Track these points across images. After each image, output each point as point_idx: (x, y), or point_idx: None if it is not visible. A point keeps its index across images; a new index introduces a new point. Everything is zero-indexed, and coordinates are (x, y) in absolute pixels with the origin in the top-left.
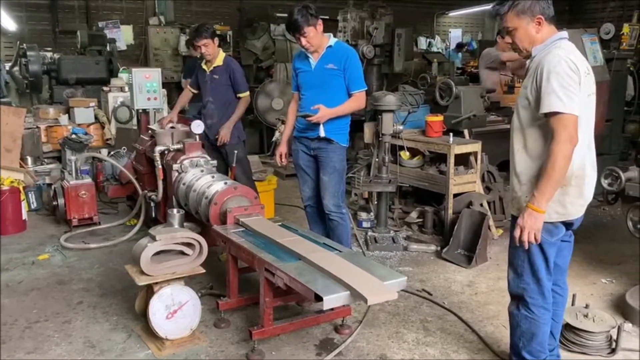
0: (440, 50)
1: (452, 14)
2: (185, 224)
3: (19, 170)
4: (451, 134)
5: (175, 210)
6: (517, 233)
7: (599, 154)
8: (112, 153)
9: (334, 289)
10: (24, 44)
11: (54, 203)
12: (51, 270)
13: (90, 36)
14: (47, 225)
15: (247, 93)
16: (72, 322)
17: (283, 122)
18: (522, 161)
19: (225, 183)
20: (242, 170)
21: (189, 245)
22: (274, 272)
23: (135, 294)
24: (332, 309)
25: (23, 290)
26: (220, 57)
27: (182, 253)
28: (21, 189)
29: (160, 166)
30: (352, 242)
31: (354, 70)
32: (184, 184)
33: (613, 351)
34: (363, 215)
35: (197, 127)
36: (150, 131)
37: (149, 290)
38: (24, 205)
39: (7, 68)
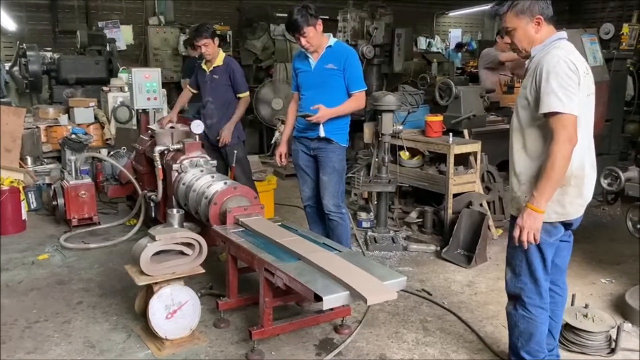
0: (440, 50)
1: (452, 14)
2: (185, 224)
3: (18, 170)
4: (451, 134)
5: (175, 210)
6: (516, 233)
7: (598, 154)
8: (111, 153)
9: (334, 289)
10: (24, 44)
11: (53, 203)
12: (51, 270)
13: (90, 36)
14: (46, 225)
15: (247, 93)
16: (72, 322)
17: (283, 122)
18: (522, 161)
19: (225, 183)
20: (242, 170)
21: (188, 245)
22: (274, 272)
23: (135, 294)
24: (331, 309)
25: (23, 290)
26: (220, 57)
27: (182, 253)
28: (21, 189)
29: (160, 166)
30: (351, 242)
31: (354, 70)
32: (183, 184)
33: (612, 351)
34: (363, 215)
35: (197, 127)
36: (150, 131)
37: (149, 290)
38: (23, 205)
39: (7, 68)
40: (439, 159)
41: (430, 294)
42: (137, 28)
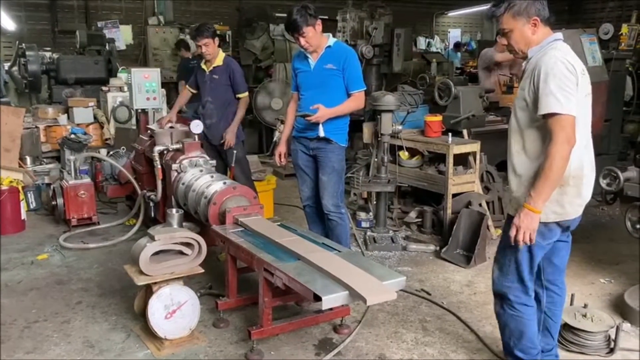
0: (439, 50)
1: (451, 14)
2: (184, 223)
3: (18, 170)
4: (450, 134)
5: (174, 210)
6: (512, 232)
7: (597, 154)
8: (111, 153)
9: (333, 289)
10: (23, 44)
11: (53, 203)
12: (50, 270)
13: (90, 36)
14: (46, 225)
15: (247, 93)
16: (71, 322)
17: (282, 122)
18: (522, 162)
19: (224, 183)
20: (241, 170)
21: (188, 245)
22: (273, 272)
23: (134, 294)
24: (331, 309)
25: (22, 290)
26: (220, 57)
27: (181, 253)
28: (20, 188)
29: (159, 166)
30: (351, 242)
31: (353, 70)
32: (183, 183)
33: (611, 351)
34: (362, 215)
35: (196, 127)
36: (149, 131)
37: (148, 290)
38: (23, 205)
39: (6, 68)
40: (438, 159)
41: (430, 294)
42: (136, 28)
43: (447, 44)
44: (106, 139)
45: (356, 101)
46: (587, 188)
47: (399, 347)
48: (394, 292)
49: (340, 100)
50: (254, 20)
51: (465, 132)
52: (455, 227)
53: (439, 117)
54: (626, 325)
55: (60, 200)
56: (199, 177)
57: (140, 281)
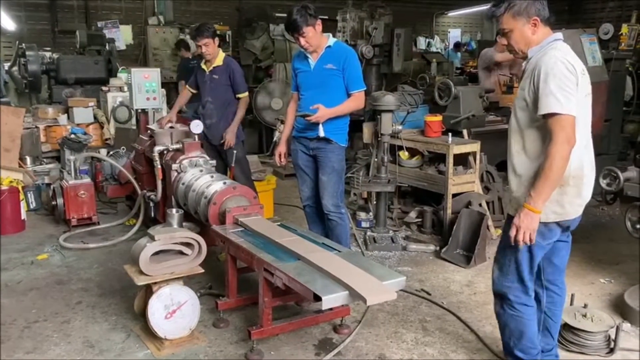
0: (439, 50)
1: (451, 14)
2: (184, 223)
3: (18, 170)
4: (450, 134)
5: (174, 210)
6: (512, 232)
7: (597, 154)
8: (111, 153)
9: (333, 289)
10: (23, 44)
11: (53, 203)
12: (50, 270)
13: (90, 36)
14: (46, 225)
15: (247, 94)
16: (71, 322)
17: (282, 122)
18: (522, 162)
19: (224, 183)
20: (241, 170)
21: (188, 245)
22: (273, 272)
23: (134, 294)
24: (331, 309)
25: (22, 290)
26: (220, 57)
27: (181, 253)
28: (20, 188)
29: (159, 166)
30: (351, 242)
31: (353, 70)
32: (183, 183)
33: (611, 351)
34: (362, 215)
35: (196, 127)
36: (149, 131)
37: (148, 290)
38: (23, 205)
39: (6, 68)
40: (438, 159)
41: (430, 294)
42: (136, 28)
43: (447, 44)
44: (106, 139)
45: (356, 101)
46: (587, 188)
47: (399, 347)
48: (394, 292)
49: (340, 100)
50: (254, 20)
51: (465, 132)
52: (455, 227)
53: (439, 117)
54: (626, 325)
55: (60, 200)
56: (199, 177)
57: (140, 281)
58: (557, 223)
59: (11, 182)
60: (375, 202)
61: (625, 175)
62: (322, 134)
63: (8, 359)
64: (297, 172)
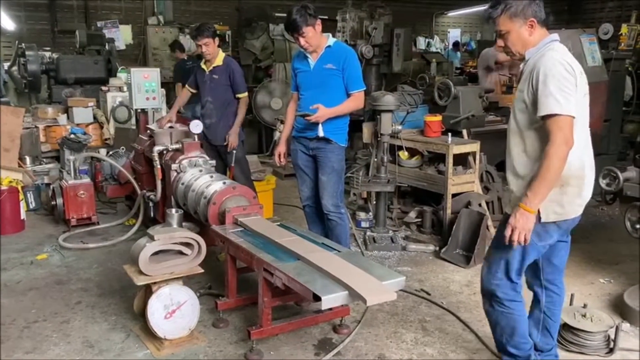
0: (439, 50)
1: (451, 14)
2: (183, 223)
3: (17, 170)
4: (450, 134)
5: (173, 210)
6: (507, 232)
7: (597, 154)
8: (110, 153)
9: (333, 289)
10: (23, 44)
11: (52, 203)
12: (50, 270)
13: (89, 36)
14: (45, 225)
15: (246, 94)
16: (71, 322)
17: (282, 122)
18: (524, 164)
19: (224, 183)
20: (241, 170)
21: (187, 245)
22: (273, 272)
23: (134, 294)
24: (330, 309)
25: (21, 290)
26: (220, 57)
27: (181, 253)
28: (20, 188)
29: (158, 166)
30: (350, 242)
31: (353, 70)
32: (182, 183)
33: (611, 351)
34: (362, 215)
35: (196, 127)
36: (148, 131)
37: (148, 290)
38: (22, 205)
39: (6, 68)
40: (437, 159)
41: (429, 294)
42: (136, 28)
43: (447, 44)
44: (106, 139)
45: (356, 101)
46: (587, 188)
47: (398, 347)
48: (393, 292)
49: (340, 100)
50: (254, 20)
51: (464, 132)
52: (454, 227)
53: (438, 117)
54: (625, 325)
55: (59, 200)
56: (199, 177)
57: (140, 281)
58: (556, 224)
59: (11, 182)
60: (374, 202)
61: (624, 176)
62: (321, 134)
63: (7, 359)
64: (297, 172)
